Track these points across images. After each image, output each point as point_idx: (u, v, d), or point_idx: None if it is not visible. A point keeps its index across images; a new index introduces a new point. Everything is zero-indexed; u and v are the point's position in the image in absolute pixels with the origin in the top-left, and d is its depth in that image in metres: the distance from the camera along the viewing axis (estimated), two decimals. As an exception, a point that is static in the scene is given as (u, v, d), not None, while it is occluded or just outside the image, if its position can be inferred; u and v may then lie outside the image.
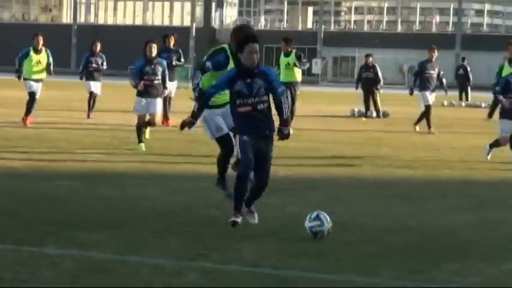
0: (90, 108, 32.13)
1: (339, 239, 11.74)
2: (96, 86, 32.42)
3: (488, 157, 20.96)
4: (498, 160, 21.11)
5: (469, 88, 53.53)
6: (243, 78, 11.82)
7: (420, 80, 30.77)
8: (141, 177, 17.28)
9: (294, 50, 29.65)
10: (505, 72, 20.51)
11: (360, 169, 19.55)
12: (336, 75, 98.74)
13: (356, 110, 39.20)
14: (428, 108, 30.04)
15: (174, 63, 28.76)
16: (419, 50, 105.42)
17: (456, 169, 19.92)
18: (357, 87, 39.84)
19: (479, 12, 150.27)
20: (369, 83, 38.88)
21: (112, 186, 15.99)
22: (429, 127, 29.91)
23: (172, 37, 30.28)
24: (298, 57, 29.25)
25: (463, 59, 56.52)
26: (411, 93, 31.94)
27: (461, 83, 53.79)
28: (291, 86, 27.99)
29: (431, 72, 30.85)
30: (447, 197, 15.91)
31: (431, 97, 30.51)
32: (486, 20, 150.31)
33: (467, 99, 52.55)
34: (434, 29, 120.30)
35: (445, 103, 48.36)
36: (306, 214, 13.36)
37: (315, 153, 22.29)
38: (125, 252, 10.59)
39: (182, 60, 29.68)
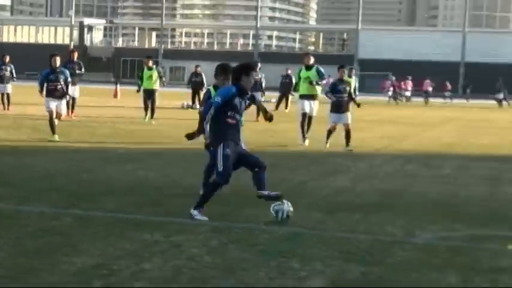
0: (5, 103, 31.09)
1: (172, 193, 11.77)
2: (6, 87, 31.34)
3: (327, 145, 19.72)
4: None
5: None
6: (240, 96, 10.88)
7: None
8: (33, 150, 16.98)
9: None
10: (302, 75, 20.52)
11: (187, 143, 19.54)
12: (172, 79, 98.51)
13: (185, 103, 39.19)
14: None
15: (77, 71, 27.31)
16: (229, 62, 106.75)
17: (250, 144, 20.07)
18: (188, 87, 40.05)
19: (270, 37, 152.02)
20: (197, 85, 39.08)
21: (11, 156, 15.67)
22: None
23: (76, 52, 29.25)
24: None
25: (287, 69, 57.14)
26: (281, 96, 32.43)
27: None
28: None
29: (256, 78, 30.94)
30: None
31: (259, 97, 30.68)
32: (274, 42, 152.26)
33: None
34: (239, 48, 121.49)
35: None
36: (151, 176, 13.41)
37: (161, 134, 22.21)
38: (19, 204, 10.41)
39: (83, 69, 28.40)
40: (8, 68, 31.99)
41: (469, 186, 13.84)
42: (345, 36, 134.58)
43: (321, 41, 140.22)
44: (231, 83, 10.58)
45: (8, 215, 9.67)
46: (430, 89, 60.63)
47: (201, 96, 38.51)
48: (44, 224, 9.10)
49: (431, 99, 59.77)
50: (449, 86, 66.35)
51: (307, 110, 20.69)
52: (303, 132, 20.68)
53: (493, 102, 60.77)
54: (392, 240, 8.86)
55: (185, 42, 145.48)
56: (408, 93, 61.60)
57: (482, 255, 8.27)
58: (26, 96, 35.67)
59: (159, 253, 7.89)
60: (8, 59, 32.43)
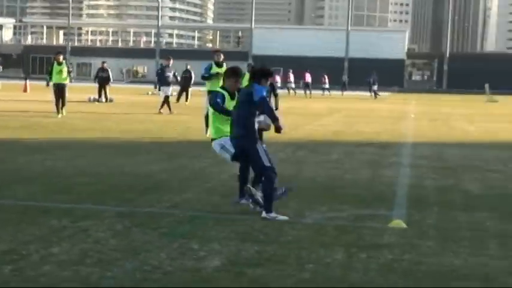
0: None
1: (79, 181, 11.55)
2: None
3: None
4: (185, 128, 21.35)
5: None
6: None
7: (161, 78, 30.72)
8: None
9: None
10: (213, 71, 20.00)
11: (95, 134, 19.29)
12: (79, 74, 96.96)
13: (92, 97, 38.61)
14: (167, 97, 29.63)
15: None
16: (133, 59, 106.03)
17: (154, 135, 19.96)
18: (95, 82, 39.51)
19: (171, 35, 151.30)
20: (103, 80, 38.60)
21: None
22: (169, 109, 29.24)
23: None
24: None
25: (161, 64, 56.95)
26: (159, 89, 31.63)
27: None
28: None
29: (169, 74, 30.89)
30: (150, 152, 15.93)
31: (170, 90, 30.31)
32: (175, 40, 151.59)
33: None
34: (142, 45, 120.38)
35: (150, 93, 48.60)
36: (59, 166, 13.15)
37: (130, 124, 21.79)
38: None
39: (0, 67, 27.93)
40: None
41: (354, 170, 14.05)
42: (240, 34, 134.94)
43: (218, 39, 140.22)
44: (253, 83, 10.10)
45: None
46: (310, 80, 61.10)
47: (106, 89, 38.33)
48: None
49: (313, 92, 60.24)
50: (326, 79, 66.85)
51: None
52: (207, 125, 20.17)
53: (369, 93, 61.67)
54: (284, 221, 8.91)
55: (91, 40, 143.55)
56: (292, 85, 62.10)
57: (365, 232, 8.39)
58: None
59: (67, 238, 7.73)
60: None
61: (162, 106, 29.26)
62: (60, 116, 25.37)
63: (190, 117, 27.04)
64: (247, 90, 9.74)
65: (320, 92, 63.86)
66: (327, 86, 65.98)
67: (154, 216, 8.99)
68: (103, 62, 40.48)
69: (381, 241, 8.01)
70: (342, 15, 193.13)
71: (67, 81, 26.58)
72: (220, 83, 18.60)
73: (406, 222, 8.97)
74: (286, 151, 17.02)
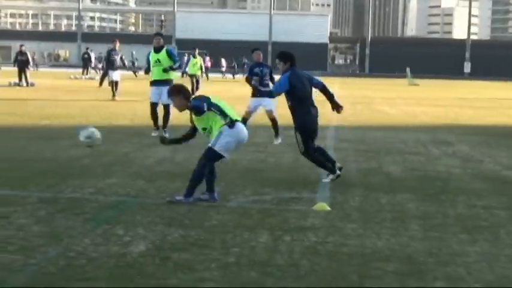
0: None
1: None
2: None
3: None
4: (108, 113, 21.12)
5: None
6: None
7: (109, 62, 29.87)
8: None
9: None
10: (152, 58, 16.84)
11: (14, 120, 18.95)
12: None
13: (12, 81, 37.92)
14: (115, 82, 28.89)
15: None
16: (54, 43, 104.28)
17: (76, 120, 19.71)
18: (14, 66, 38.84)
19: (92, 18, 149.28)
20: (22, 64, 37.93)
21: None
22: (113, 95, 28.47)
23: None
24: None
25: (87, 48, 57.20)
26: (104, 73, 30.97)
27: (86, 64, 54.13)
28: None
29: (116, 57, 29.99)
30: (72, 138, 15.71)
31: (116, 74, 29.40)
32: (97, 23, 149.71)
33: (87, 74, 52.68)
34: (64, 29, 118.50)
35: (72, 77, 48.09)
36: None
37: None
38: None
39: None
40: None
41: (277, 154, 14.14)
42: (162, 17, 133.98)
43: (140, 22, 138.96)
44: (288, 68, 10.83)
45: None
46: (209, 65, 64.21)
47: (27, 73, 37.63)
48: (12, 207, 8.50)
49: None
50: (224, 63, 71.23)
51: (154, 99, 17.06)
52: (156, 123, 17.10)
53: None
54: (209, 205, 8.93)
55: (10, 23, 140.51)
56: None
57: (289, 215, 8.48)
58: None
59: (-15, 225, 7.60)
60: None
61: (113, 92, 28.46)
62: None
63: (117, 103, 26.79)
64: (306, 74, 10.98)
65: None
66: (223, 69, 70.14)
67: (77, 202, 8.90)
68: (21, 45, 39.74)
69: (305, 224, 8.10)
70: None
71: None
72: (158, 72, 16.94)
73: (330, 204, 9.09)
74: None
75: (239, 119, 9.25)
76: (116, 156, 13.09)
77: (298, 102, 10.86)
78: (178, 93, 9.11)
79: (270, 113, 16.16)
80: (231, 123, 8.96)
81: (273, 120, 16.19)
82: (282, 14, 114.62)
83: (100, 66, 53.50)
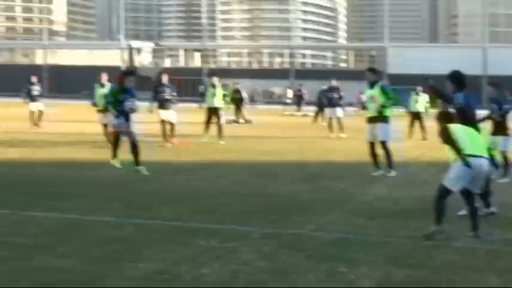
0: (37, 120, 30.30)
1: (223, 201, 11.72)
2: (38, 105, 30.68)
3: None
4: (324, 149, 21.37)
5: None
6: None
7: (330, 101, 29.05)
8: (93, 164, 16.97)
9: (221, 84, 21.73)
10: (367, 94, 16.41)
11: (232, 156, 19.55)
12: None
13: (229, 118, 39.11)
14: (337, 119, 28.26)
15: (167, 95, 22.49)
16: (268, 80, 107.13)
17: (294, 156, 20.03)
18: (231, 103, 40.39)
19: (304, 56, 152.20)
20: (237, 102, 39.22)
21: (74, 170, 15.70)
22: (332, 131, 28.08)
23: (166, 74, 24.45)
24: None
25: (300, 85, 58.52)
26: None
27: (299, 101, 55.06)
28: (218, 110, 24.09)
29: (335, 95, 28.75)
30: (289, 173, 15.97)
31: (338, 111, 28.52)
32: (308, 60, 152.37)
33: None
34: (276, 66, 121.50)
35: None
36: (202, 186, 13.40)
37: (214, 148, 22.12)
38: (86, 214, 10.41)
39: (175, 93, 22.90)
40: (37, 88, 31.49)
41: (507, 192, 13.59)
42: (373, 53, 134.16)
43: (351, 58, 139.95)
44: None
45: (75, 224, 9.68)
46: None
47: (243, 111, 38.83)
48: (109, 233, 9.09)
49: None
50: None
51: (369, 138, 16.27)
52: (376, 161, 16.24)
53: None
54: (433, 244, 8.71)
55: (227, 62, 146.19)
56: None
57: (519, 257, 8.12)
58: (84, 114, 35.81)
59: (216, 258, 7.84)
60: (35, 79, 32.05)
61: (331, 128, 28.08)
62: (206, 139, 23.28)
63: (332, 139, 27.01)
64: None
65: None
66: None
67: (300, 238, 8.99)
68: (235, 83, 41.25)
69: (537, 267, 7.71)
70: (477, 32, 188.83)
71: (221, 105, 24.34)
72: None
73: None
74: (428, 171, 16.52)
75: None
76: (334, 192, 13.13)
77: None
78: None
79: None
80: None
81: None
82: (497, 46, 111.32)
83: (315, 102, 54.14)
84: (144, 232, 9.20)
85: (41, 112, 30.82)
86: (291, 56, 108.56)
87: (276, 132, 30.14)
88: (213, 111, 24.20)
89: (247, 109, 40.38)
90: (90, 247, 8.24)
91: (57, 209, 10.80)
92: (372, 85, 16.38)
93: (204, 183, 14.03)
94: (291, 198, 12.28)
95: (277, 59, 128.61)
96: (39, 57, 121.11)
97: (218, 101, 24.27)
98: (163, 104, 22.41)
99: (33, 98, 31.06)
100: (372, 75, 16.64)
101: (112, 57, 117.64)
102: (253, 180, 14.72)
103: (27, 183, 13.39)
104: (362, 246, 8.54)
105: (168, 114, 22.33)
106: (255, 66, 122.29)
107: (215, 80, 24.88)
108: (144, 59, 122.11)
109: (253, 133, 29.85)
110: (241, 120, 38.47)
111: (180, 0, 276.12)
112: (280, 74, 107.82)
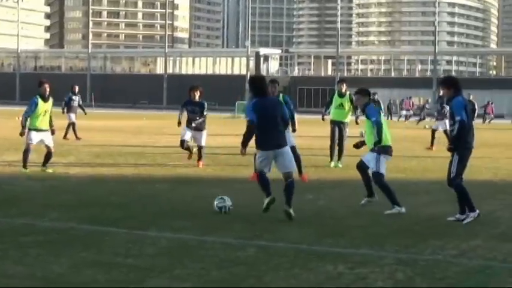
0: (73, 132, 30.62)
1: (354, 223, 11.67)
2: (71, 117, 31.15)
3: None
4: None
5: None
6: None
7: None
8: (208, 182, 17.22)
9: (349, 93, 20.36)
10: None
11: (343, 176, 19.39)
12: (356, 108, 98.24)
13: (363, 131, 38.92)
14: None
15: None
16: (407, 89, 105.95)
17: (435, 173, 19.70)
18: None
19: (449, 62, 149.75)
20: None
21: (191, 188, 15.98)
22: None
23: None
24: (351, 101, 19.92)
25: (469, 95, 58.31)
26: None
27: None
28: (340, 124, 20.80)
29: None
30: (430, 193, 15.74)
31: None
32: (454, 67, 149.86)
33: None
34: (417, 74, 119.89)
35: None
36: (332, 206, 13.38)
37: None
38: (204, 234, 10.57)
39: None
40: (77, 98, 32.06)
41: None
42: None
43: (503, 65, 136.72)
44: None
45: (192, 245, 9.84)
46: None
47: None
48: (229, 255, 9.19)
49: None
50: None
51: None
52: None
53: None
54: None
55: (361, 70, 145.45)
56: None
57: None
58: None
59: (343, 285, 7.81)
60: (77, 89, 32.63)
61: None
62: (333, 164, 20.98)
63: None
64: None
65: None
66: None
67: (438, 264, 8.84)
68: (373, 94, 40.98)
69: None
70: None
71: (346, 119, 21.31)
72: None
73: None
74: None
75: None
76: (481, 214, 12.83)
77: None
78: None
79: None
80: None
81: None
82: None
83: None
84: (266, 255, 9.26)
85: (73, 124, 31.07)
86: (434, 62, 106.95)
87: (414, 147, 29.71)
88: (337, 124, 21.21)
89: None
90: (208, 270, 8.36)
91: (172, 228, 11.03)
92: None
93: (333, 203, 14.00)
94: (429, 220, 12.10)
95: (418, 67, 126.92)
96: (160, 66, 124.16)
97: (344, 115, 21.05)
98: None
99: (71, 109, 31.57)
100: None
101: (237, 65, 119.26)
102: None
103: (143, 201, 13.71)
104: (510, 275, 8.31)
105: None
106: (393, 74, 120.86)
107: (344, 86, 21.24)
108: (271, 67, 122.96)
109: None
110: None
111: (312, 3, 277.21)
112: (421, 83, 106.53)
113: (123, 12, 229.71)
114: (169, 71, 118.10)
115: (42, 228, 10.85)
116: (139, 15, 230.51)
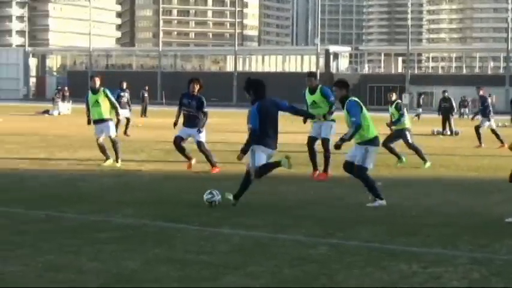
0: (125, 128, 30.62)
1: (427, 222, 11.57)
2: (123, 112, 29.80)
3: None
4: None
5: None
6: None
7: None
8: (281, 179, 17.15)
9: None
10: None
11: (440, 172, 19.24)
12: (419, 105, 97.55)
13: (435, 129, 38.60)
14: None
15: None
16: (480, 87, 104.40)
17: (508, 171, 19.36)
18: (438, 114, 39.87)
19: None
20: (445, 111, 38.64)
21: (262, 185, 15.95)
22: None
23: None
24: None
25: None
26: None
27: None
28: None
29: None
30: (502, 191, 15.49)
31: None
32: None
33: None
34: (489, 72, 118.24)
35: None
36: (404, 205, 13.28)
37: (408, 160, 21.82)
38: (275, 232, 10.58)
39: None
40: (126, 94, 32.30)
41: None
42: None
43: None
44: None
45: (264, 242, 9.86)
46: None
47: (451, 121, 38.20)
48: (301, 252, 9.20)
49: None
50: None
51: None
52: None
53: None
54: None
55: (432, 67, 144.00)
56: None
57: None
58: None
59: (417, 284, 7.76)
60: (125, 85, 32.78)
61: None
62: (399, 164, 20.43)
63: None
64: None
65: None
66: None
67: (515, 264, 8.73)
68: (444, 92, 40.71)
69: None
70: None
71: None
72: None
73: None
74: None
75: None
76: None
77: None
78: None
79: None
80: None
81: None
82: None
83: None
84: (338, 253, 9.24)
85: (128, 120, 31.34)
86: (507, 60, 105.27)
87: (486, 144, 29.29)
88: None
89: (454, 119, 39.65)
90: (281, 267, 8.37)
91: (245, 225, 11.07)
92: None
93: (406, 201, 13.89)
94: (503, 219, 11.91)
95: (490, 64, 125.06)
96: (230, 64, 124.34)
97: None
98: None
99: (120, 105, 31.34)
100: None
101: (307, 63, 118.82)
102: (462, 198, 14.43)
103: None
104: None
105: None
106: (465, 71, 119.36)
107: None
108: (341, 65, 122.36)
109: (460, 146, 29.25)
110: (447, 132, 37.84)
111: (382, 0, 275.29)
112: (493, 80, 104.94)
113: (193, 11, 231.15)
114: (239, 69, 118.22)
115: (116, 225, 10.99)
116: (209, 13, 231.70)
